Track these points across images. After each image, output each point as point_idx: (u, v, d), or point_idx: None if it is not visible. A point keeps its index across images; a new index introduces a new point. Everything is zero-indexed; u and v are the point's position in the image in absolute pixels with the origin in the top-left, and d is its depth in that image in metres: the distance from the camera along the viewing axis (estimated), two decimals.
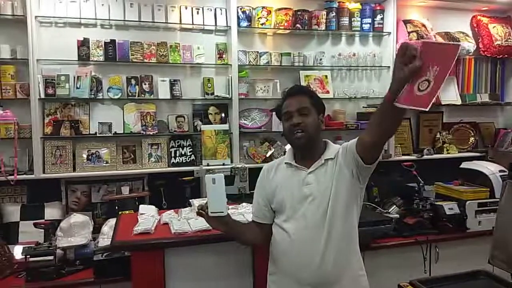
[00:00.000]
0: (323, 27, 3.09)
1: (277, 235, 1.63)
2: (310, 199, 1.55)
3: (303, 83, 3.08)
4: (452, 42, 1.21)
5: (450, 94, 3.50)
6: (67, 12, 2.64)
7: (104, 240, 2.23)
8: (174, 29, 2.90)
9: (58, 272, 2.14)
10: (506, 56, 3.55)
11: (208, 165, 2.77)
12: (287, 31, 3.06)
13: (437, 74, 1.11)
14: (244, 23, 2.91)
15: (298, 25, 3.02)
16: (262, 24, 2.96)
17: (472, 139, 3.58)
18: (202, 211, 1.58)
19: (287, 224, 1.59)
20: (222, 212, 1.54)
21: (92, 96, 2.68)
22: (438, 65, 1.12)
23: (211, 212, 1.54)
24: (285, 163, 1.67)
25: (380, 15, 3.21)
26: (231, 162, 2.87)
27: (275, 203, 1.64)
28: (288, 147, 1.76)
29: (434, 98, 1.12)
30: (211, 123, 2.94)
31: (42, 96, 2.59)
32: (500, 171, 2.82)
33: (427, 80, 1.13)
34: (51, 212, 2.62)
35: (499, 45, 3.48)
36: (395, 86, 1.25)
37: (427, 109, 1.12)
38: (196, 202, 2.18)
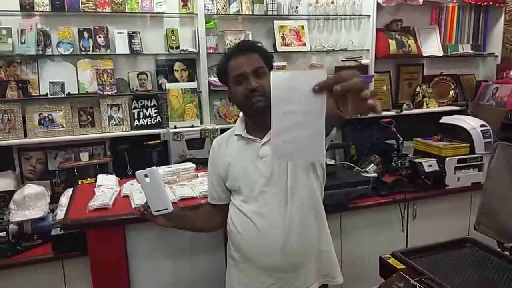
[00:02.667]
0: None
1: (235, 217, 1.46)
2: (267, 174, 1.38)
3: (277, 35, 2.85)
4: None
5: (432, 45, 3.35)
6: None
7: (63, 212, 2.03)
8: None
9: (13, 249, 1.96)
10: (490, 3, 3.38)
11: (175, 127, 2.56)
12: None
13: None
14: None
15: None
16: None
17: (452, 92, 3.47)
18: (145, 212, 1.39)
19: (245, 205, 1.42)
20: (167, 208, 1.35)
21: (40, 52, 2.39)
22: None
23: (155, 211, 1.36)
24: (236, 135, 1.47)
25: None
26: (201, 123, 2.68)
27: (229, 181, 1.46)
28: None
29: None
30: (178, 81, 2.70)
31: None
32: (481, 125, 2.74)
33: None
34: (4, 182, 2.38)
35: None
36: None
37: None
38: (162, 171, 2.00)
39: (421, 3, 3.09)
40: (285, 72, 0.89)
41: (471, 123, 2.79)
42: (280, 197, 1.37)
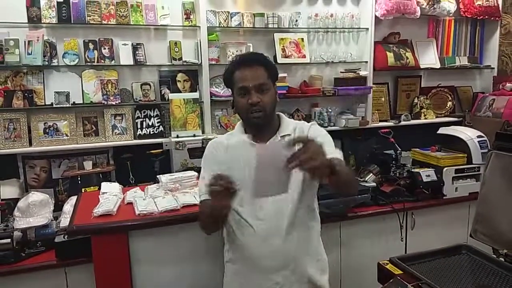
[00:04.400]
0: None
1: (232, 220, 1.47)
2: None
3: (277, 47, 2.91)
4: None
5: (429, 58, 3.42)
6: None
7: (66, 219, 2.06)
8: None
9: (17, 256, 1.98)
10: (486, 17, 3.45)
11: (177, 136, 2.61)
12: None
13: None
14: None
15: None
16: None
17: (449, 103, 3.53)
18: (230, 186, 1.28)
19: (242, 208, 1.45)
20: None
21: (46, 62, 2.44)
22: None
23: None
24: (236, 138, 1.51)
25: None
26: (203, 132, 2.72)
27: None
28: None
29: None
30: (180, 91, 2.75)
31: None
32: (478, 136, 2.78)
33: None
34: (9, 190, 2.42)
35: (479, 5, 3.39)
36: None
37: None
38: (164, 178, 2.04)
39: (418, 17, 3.16)
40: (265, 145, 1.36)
41: (468, 134, 2.83)
42: (276, 201, 1.41)
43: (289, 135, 1.45)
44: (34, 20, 2.42)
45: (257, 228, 1.43)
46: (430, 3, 3.21)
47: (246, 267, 1.47)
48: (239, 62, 1.47)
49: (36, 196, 2.19)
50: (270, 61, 1.52)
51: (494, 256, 1.47)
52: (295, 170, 1.15)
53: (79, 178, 2.51)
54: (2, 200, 2.34)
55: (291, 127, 1.49)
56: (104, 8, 2.53)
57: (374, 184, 2.67)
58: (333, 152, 1.35)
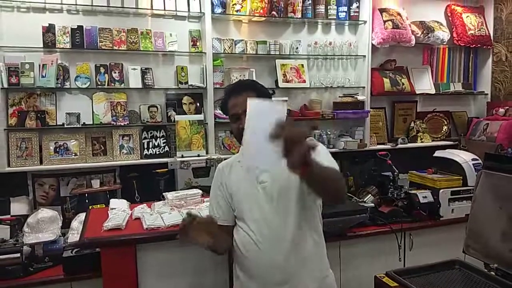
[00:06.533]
0: (299, 15, 3.04)
1: (238, 238, 1.56)
2: (268, 197, 1.50)
3: (279, 72, 3.05)
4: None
5: (424, 83, 3.54)
6: None
7: (74, 235, 2.15)
8: (145, 15, 2.79)
9: (25, 270, 2.05)
10: (478, 45, 3.60)
11: (182, 156, 2.70)
12: (263, 19, 2.99)
13: None
14: (218, 10, 2.83)
15: (274, 13, 2.96)
16: (237, 11, 2.88)
17: (445, 127, 3.63)
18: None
19: (247, 227, 1.52)
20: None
21: (59, 85, 2.56)
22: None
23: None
24: (238, 161, 1.60)
25: (356, 3, 3.18)
26: (207, 153, 2.81)
27: (234, 203, 1.57)
28: None
29: None
30: (185, 113, 2.86)
31: (5, 85, 2.47)
32: (473, 159, 2.86)
33: None
34: (18, 207, 2.51)
35: (472, 34, 3.53)
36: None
37: None
38: (170, 196, 2.12)
39: (413, 45, 3.31)
40: (258, 100, 1.20)
41: (463, 157, 2.91)
42: (280, 218, 1.49)
43: None
44: (49, 45, 2.55)
45: (261, 245, 1.49)
46: (424, 32, 3.37)
47: (252, 282, 1.52)
48: (230, 91, 1.60)
49: (45, 212, 2.26)
50: (258, 83, 1.63)
51: (486, 270, 1.54)
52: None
53: (86, 196, 2.58)
54: (11, 216, 2.42)
55: None
56: (116, 35, 2.67)
57: (372, 204, 2.73)
58: (329, 160, 1.42)
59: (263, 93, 1.59)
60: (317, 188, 1.27)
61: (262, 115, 1.09)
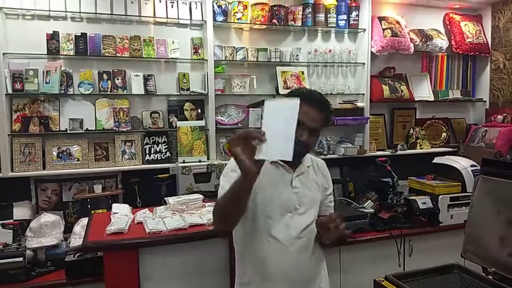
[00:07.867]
0: (299, 23, 3.09)
1: (262, 241, 1.52)
2: (297, 203, 1.56)
3: (279, 79, 3.08)
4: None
5: (423, 91, 3.58)
6: (35, 4, 2.53)
7: (76, 240, 2.17)
8: (147, 23, 2.83)
9: (28, 274, 2.07)
10: (476, 53, 3.65)
11: (184, 162, 2.73)
12: (264, 27, 3.04)
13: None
14: (220, 18, 2.87)
15: (274, 21, 3.01)
16: (238, 19, 2.92)
17: (444, 134, 3.66)
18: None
19: (268, 227, 1.52)
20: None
21: (62, 91, 2.59)
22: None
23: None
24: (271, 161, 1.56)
25: (356, 12, 3.23)
26: (208, 159, 2.84)
27: (258, 199, 1.50)
28: None
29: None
30: (187, 119, 2.89)
31: (10, 91, 2.49)
32: (472, 165, 2.89)
33: None
34: (20, 212, 2.52)
35: (470, 42, 3.57)
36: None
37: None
38: (172, 200, 2.15)
39: (412, 53, 3.35)
40: (274, 100, 1.33)
41: (462, 163, 2.94)
42: (300, 222, 1.55)
43: (310, 166, 1.63)
44: (53, 52, 2.58)
45: (279, 246, 1.52)
46: (423, 40, 3.42)
47: (267, 283, 1.51)
48: (312, 100, 1.55)
49: (48, 217, 2.28)
50: (331, 112, 1.63)
51: (483, 274, 1.56)
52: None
53: (88, 201, 2.60)
54: (14, 220, 2.43)
55: (309, 158, 1.65)
56: (119, 42, 2.71)
57: (372, 210, 2.76)
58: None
59: (328, 119, 1.61)
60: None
61: (277, 113, 1.24)
